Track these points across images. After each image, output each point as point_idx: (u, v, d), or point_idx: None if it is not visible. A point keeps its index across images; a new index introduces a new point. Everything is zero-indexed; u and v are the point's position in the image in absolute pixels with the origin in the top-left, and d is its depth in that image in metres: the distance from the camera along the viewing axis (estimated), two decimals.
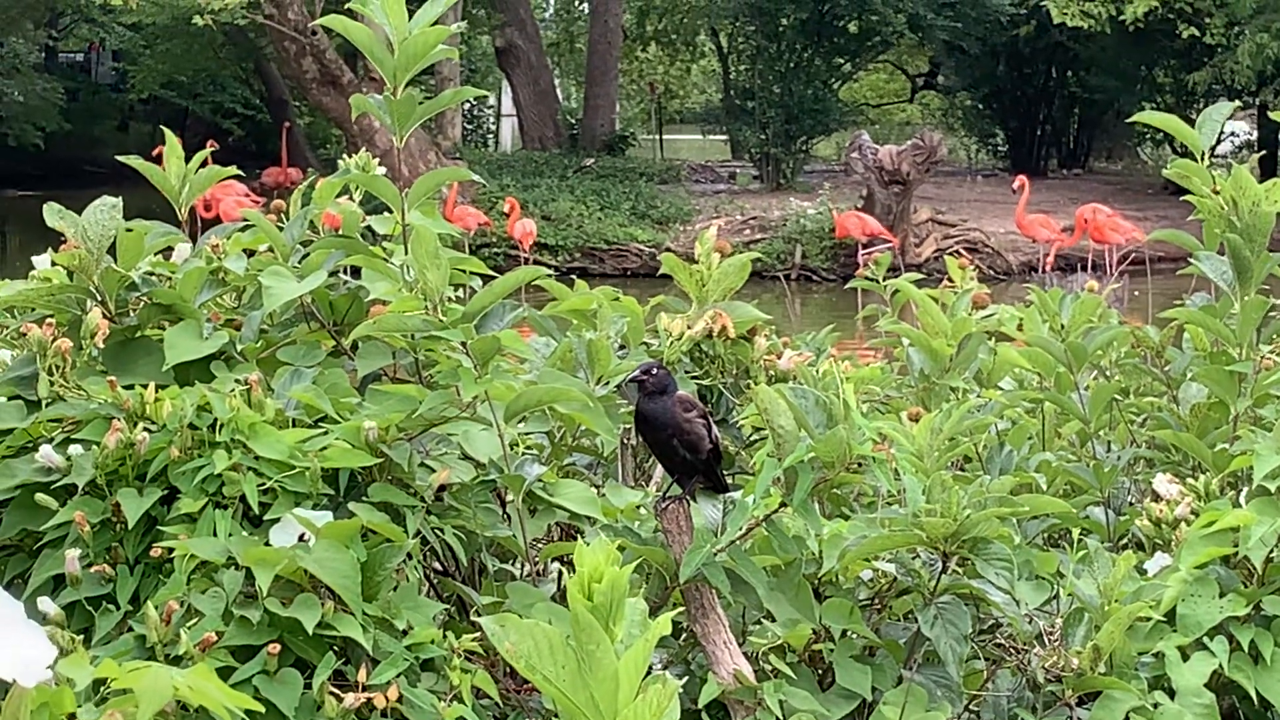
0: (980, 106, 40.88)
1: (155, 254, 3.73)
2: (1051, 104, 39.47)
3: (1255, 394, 3.91)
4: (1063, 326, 4.28)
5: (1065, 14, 30.88)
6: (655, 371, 3.32)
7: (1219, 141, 5.15)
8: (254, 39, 35.58)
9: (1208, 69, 32.62)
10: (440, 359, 3.46)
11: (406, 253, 3.56)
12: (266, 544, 3.16)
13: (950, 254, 26.25)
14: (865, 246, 26.65)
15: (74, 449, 3.33)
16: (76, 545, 3.24)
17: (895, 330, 4.30)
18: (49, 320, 3.49)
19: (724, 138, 39.68)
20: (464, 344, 3.28)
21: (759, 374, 3.99)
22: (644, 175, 33.59)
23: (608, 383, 3.73)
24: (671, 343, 3.93)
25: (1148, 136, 41.01)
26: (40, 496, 3.29)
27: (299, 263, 3.71)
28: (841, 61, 34.63)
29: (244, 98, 44.84)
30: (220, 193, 28.25)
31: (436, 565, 3.55)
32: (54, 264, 3.67)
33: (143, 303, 3.64)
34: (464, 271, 3.73)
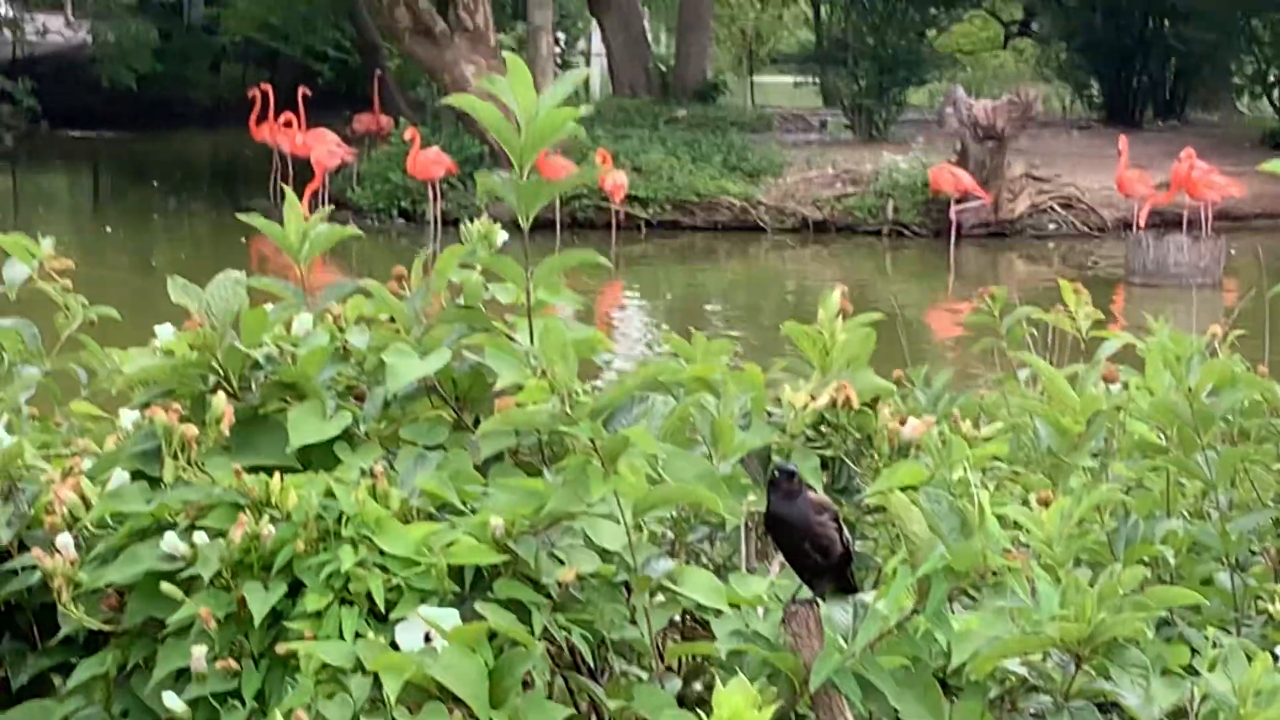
0: (1075, 56, 40.48)
1: (278, 325, 3.71)
2: (1148, 54, 39.01)
3: None
4: (1190, 389, 4.20)
5: None
6: (791, 473, 3.30)
7: None
8: None
9: None
10: (568, 442, 3.43)
11: (531, 334, 3.53)
12: (393, 644, 3.15)
13: (1044, 210, 26.17)
14: (959, 202, 26.52)
15: (198, 536, 3.32)
16: (202, 639, 3.24)
17: (1023, 406, 4.23)
18: (174, 406, 3.47)
19: (815, 82, 39.45)
20: (592, 441, 3.25)
21: (882, 443, 3.94)
22: (735, 125, 33.46)
23: (730, 460, 3.69)
24: (795, 415, 3.88)
25: (1245, 89, 40.59)
26: (166, 587, 3.28)
27: (421, 335, 3.69)
28: (936, 11, 34.36)
29: (335, 40, 44.87)
30: (313, 141, 28.44)
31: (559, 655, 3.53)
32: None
33: (266, 380, 3.62)
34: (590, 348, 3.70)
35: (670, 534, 3.73)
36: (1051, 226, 28.10)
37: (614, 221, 26.71)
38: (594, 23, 43.69)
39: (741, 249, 27.50)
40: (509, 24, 38.66)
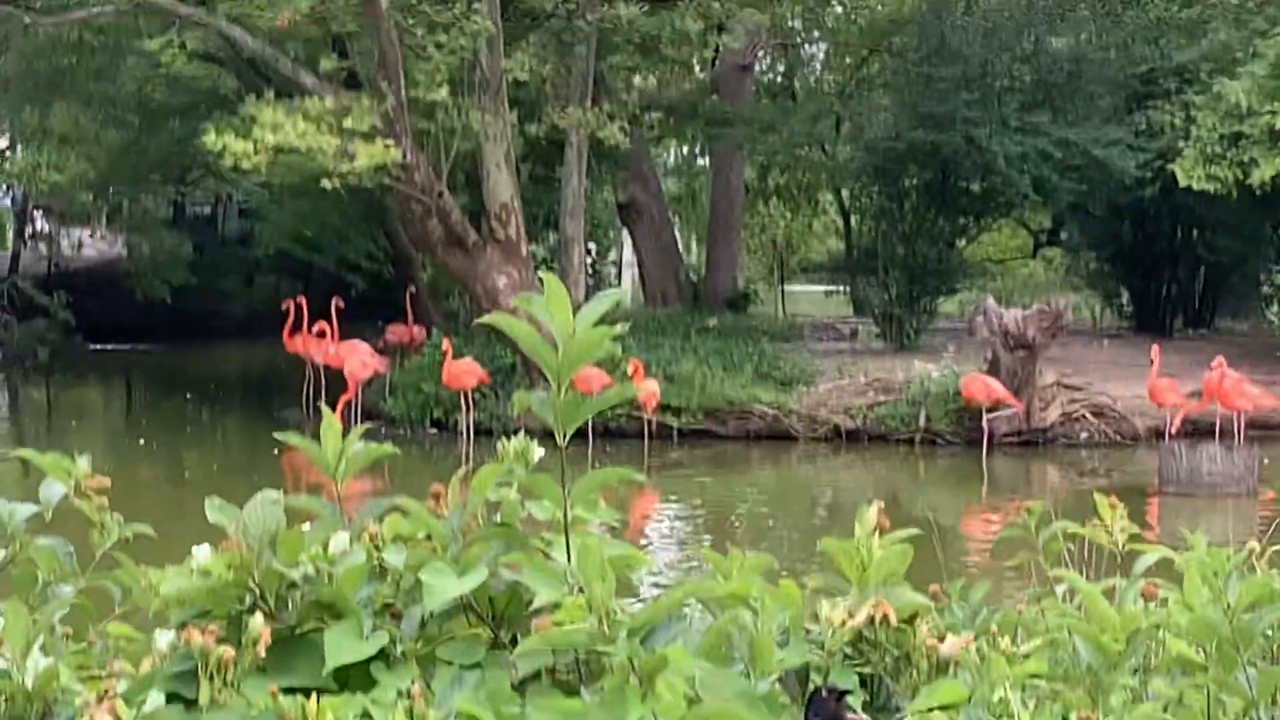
0: (1105, 266, 40.74)
1: (315, 545, 3.71)
2: (1177, 264, 39.27)
3: None
4: (1229, 606, 4.17)
5: (1191, 177, 30.78)
6: (839, 693, 3.29)
7: None
8: (380, 198, 35.98)
9: None
10: (605, 661, 3.41)
11: (569, 551, 3.53)
12: None
13: (1076, 419, 26.20)
14: (991, 411, 26.56)
15: None
16: None
17: (1062, 624, 4.20)
18: (210, 628, 3.47)
19: (845, 291, 39.74)
20: (630, 660, 3.24)
21: (920, 661, 3.91)
22: (766, 334, 33.66)
23: (769, 678, 3.67)
24: (833, 633, 3.86)
25: (1274, 298, 40.77)
26: None
27: (458, 553, 3.68)
28: (965, 221, 34.63)
29: (368, 252, 45.31)
30: (346, 352, 28.65)
31: None
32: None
33: (302, 601, 3.62)
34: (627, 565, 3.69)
35: None
36: (1084, 435, 28.10)
37: (646, 430, 26.78)
38: (625, 232, 44.12)
39: (774, 457, 27.53)
40: (541, 234, 39.04)
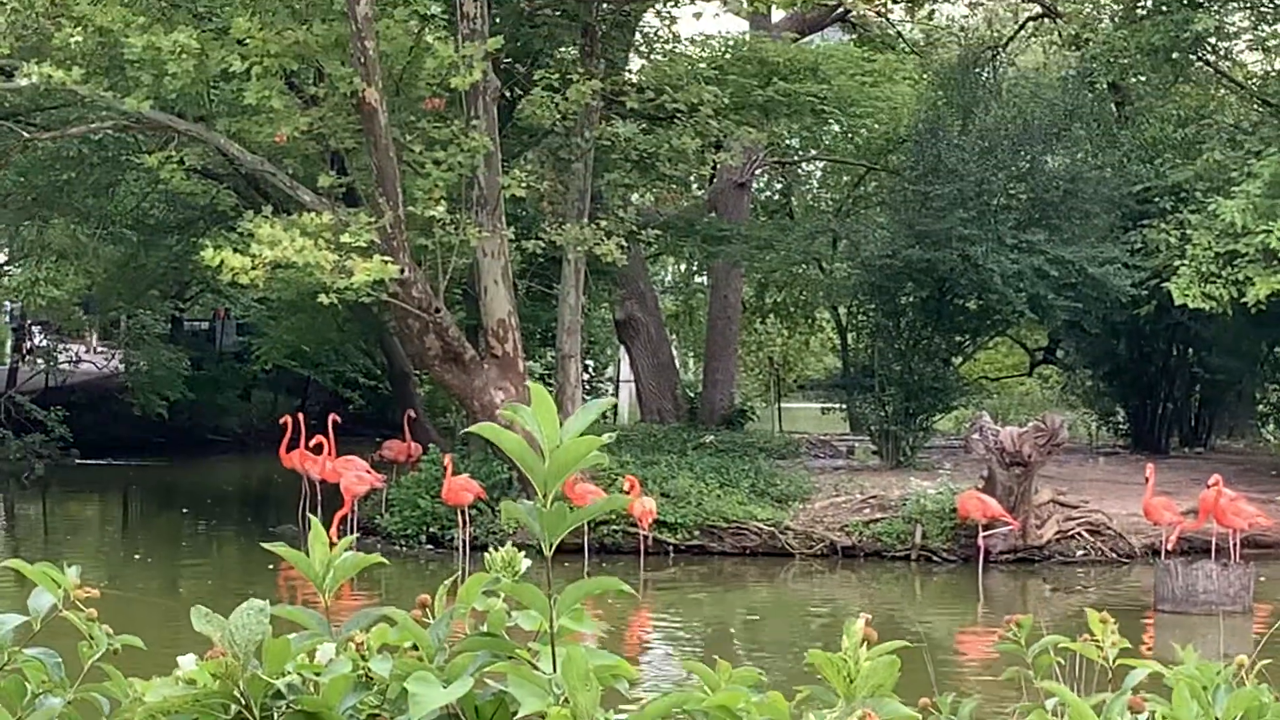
0: (1100, 383, 40.82)
1: (301, 654, 3.71)
2: (1172, 382, 39.36)
3: None
4: (1217, 719, 4.16)
5: (1187, 295, 30.87)
6: None
7: None
8: (377, 314, 36.08)
9: None
10: None
11: (555, 661, 3.52)
12: None
13: (1071, 536, 26.16)
14: (987, 528, 26.55)
15: None
16: None
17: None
18: None
19: (842, 408, 39.76)
20: None
21: None
22: (763, 451, 33.68)
23: None
24: None
25: (1270, 416, 40.82)
26: None
27: (444, 663, 3.68)
28: (961, 339, 34.71)
29: (365, 367, 45.43)
30: (342, 468, 28.66)
31: None
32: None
33: (288, 710, 3.61)
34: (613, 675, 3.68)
35: None
36: (1080, 553, 28.07)
37: (641, 547, 26.75)
38: (622, 349, 44.22)
39: (769, 574, 27.49)
40: (539, 351, 39.13)
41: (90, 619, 4.52)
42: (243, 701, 3.58)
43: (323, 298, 26.10)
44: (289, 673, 3.64)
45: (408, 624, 3.81)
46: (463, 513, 27.19)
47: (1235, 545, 25.02)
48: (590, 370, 47.42)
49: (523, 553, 3.97)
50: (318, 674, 3.70)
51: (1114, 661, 5.21)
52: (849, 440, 39.35)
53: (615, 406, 49.45)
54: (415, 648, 3.81)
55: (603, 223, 29.80)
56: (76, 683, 4.44)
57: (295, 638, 3.73)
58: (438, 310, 28.16)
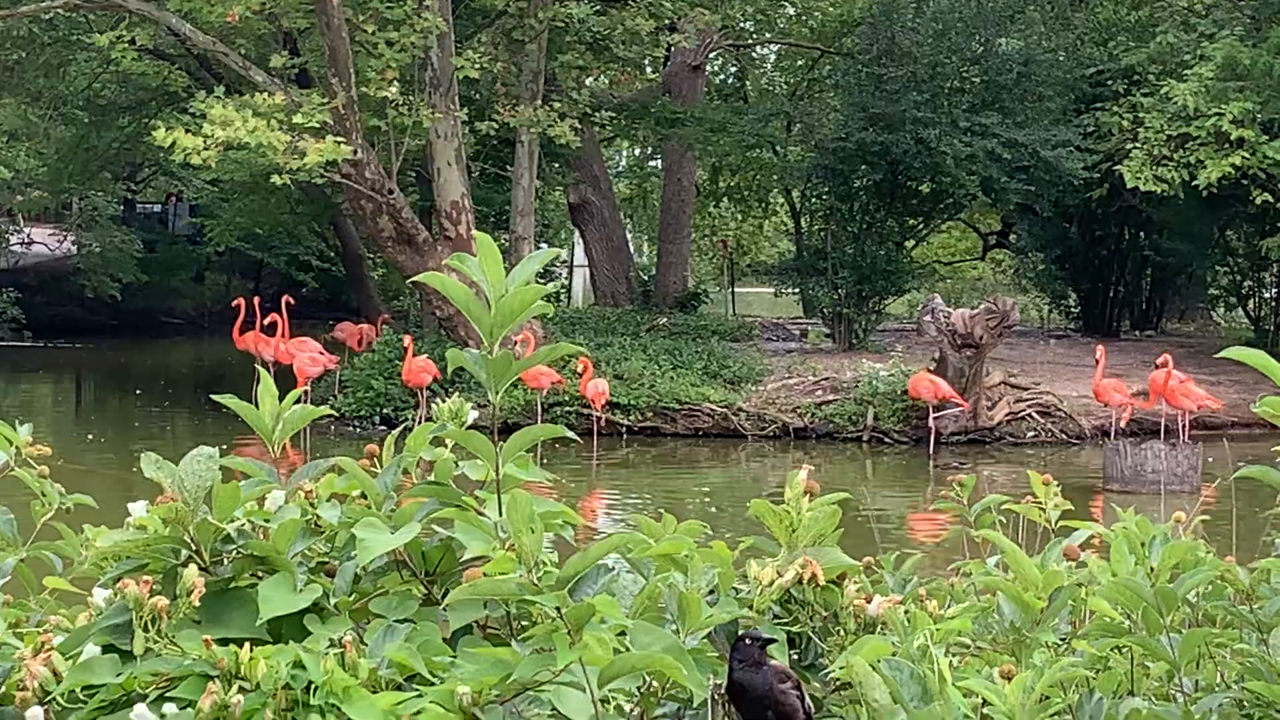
0: (1052, 267, 40.93)
1: (250, 501, 3.76)
2: (1124, 266, 39.52)
3: None
4: (1151, 569, 4.24)
5: (1139, 179, 30.96)
6: (756, 641, 3.38)
7: None
8: (330, 195, 35.94)
9: None
10: (535, 614, 3.46)
11: (501, 508, 3.58)
12: None
13: (1022, 418, 26.27)
14: (937, 409, 26.69)
15: (168, 707, 3.33)
16: None
17: (986, 584, 4.27)
18: (144, 576, 3.51)
19: (796, 292, 39.85)
20: (559, 610, 3.29)
21: (848, 620, 3.97)
22: (716, 333, 33.73)
23: (698, 634, 3.72)
24: (761, 591, 3.92)
25: (1220, 299, 41.01)
26: None
27: (392, 510, 3.74)
28: (914, 222, 34.76)
29: (319, 250, 45.28)
30: (296, 349, 28.62)
31: None
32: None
33: (237, 554, 3.66)
34: (559, 523, 3.74)
35: (637, 710, 3.74)
36: (1030, 434, 28.24)
37: (595, 428, 26.81)
38: (576, 233, 44.17)
39: (723, 455, 27.60)
40: (493, 234, 39.01)
41: (42, 475, 4.57)
42: (192, 546, 3.63)
43: (275, 179, 25.99)
44: (238, 518, 3.70)
45: (356, 472, 3.87)
46: (419, 393, 27.23)
47: (1184, 426, 25.19)
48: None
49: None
50: (267, 520, 3.75)
51: (1056, 523, 5.30)
52: (803, 324, 39.45)
53: (569, 288, 49.50)
54: (364, 496, 3.87)
55: (556, 104, 29.71)
56: (29, 541, 4.49)
57: (244, 485, 3.78)
58: (390, 191, 28.09)
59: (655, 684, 3.76)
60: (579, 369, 27.05)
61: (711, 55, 43.37)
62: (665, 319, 34.65)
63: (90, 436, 28.40)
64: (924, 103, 31.25)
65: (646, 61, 41.25)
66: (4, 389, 36.84)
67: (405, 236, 28.66)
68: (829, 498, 4.23)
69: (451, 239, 28.86)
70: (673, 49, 37.76)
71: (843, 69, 36.11)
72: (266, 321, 29.23)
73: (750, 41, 45.44)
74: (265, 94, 26.39)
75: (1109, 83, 33.85)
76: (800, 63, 45.85)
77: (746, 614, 3.90)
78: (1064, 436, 28.32)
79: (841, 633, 4.00)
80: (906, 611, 3.95)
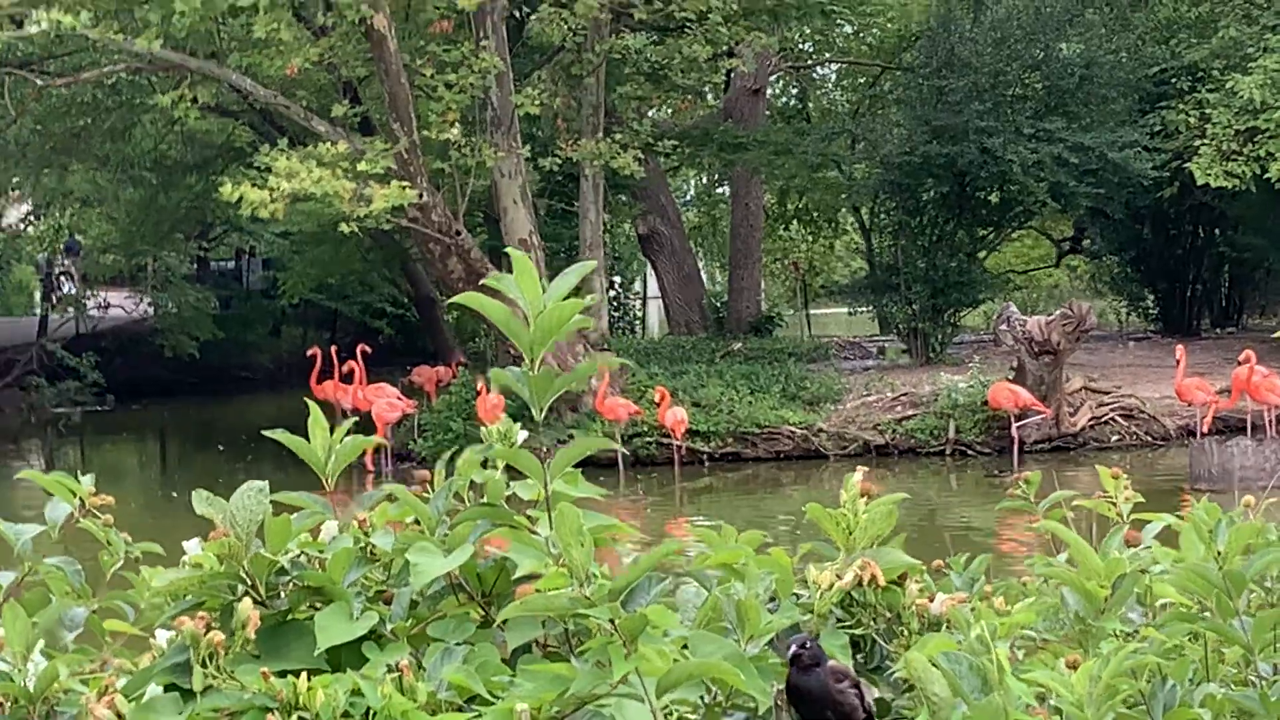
0: (1128, 270, 40.71)
1: (303, 533, 3.76)
2: (1200, 264, 39.27)
3: None
4: (1219, 553, 4.19)
5: (1209, 175, 30.78)
6: (809, 645, 3.36)
7: None
8: (400, 241, 36.08)
9: None
10: (592, 629, 3.45)
11: (550, 523, 3.57)
12: None
13: (1105, 422, 26.08)
14: (1019, 418, 26.55)
15: None
16: None
17: (1048, 575, 4.23)
18: (201, 614, 3.51)
19: (871, 312, 39.76)
20: (612, 621, 3.28)
21: (911, 619, 3.94)
22: (792, 355, 33.68)
23: (758, 641, 3.70)
24: (821, 595, 3.90)
25: None
26: None
27: (446, 534, 3.74)
28: (985, 232, 34.64)
29: (391, 296, 45.47)
30: (373, 395, 28.73)
31: None
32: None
33: (292, 586, 3.66)
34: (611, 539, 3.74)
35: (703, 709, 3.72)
36: (1115, 438, 28.08)
37: (676, 457, 26.79)
38: (648, 264, 44.21)
39: (805, 477, 27.52)
40: (562, 269, 39.02)
41: (107, 525, 4.57)
42: (248, 580, 3.64)
43: (343, 227, 26.11)
44: (291, 550, 3.70)
45: (408, 499, 3.86)
46: None
47: (1271, 421, 25.00)
48: (618, 286, 47.40)
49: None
50: (321, 551, 3.75)
51: (1128, 516, 5.25)
52: (879, 341, 39.36)
53: (644, 319, 49.49)
54: (418, 522, 3.87)
55: (618, 136, 29.75)
56: (99, 591, 4.50)
57: (296, 517, 3.79)
58: (458, 233, 28.16)
59: (720, 694, 3.74)
60: (656, 398, 27.04)
61: (772, 78, 43.38)
62: (740, 344, 34.60)
63: (175, 494, 28.56)
64: (987, 112, 31.17)
65: (707, 88, 41.24)
66: (90, 453, 37.11)
67: (475, 276, 28.65)
68: (887, 499, 4.20)
69: None
70: (732, 74, 37.80)
71: (904, 83, 36.09)
72: (344, 370, 29.38)
73: (810, 62, 45.44)
74: (329, 143, 26.52)
75: (1173, 80, 33.69)
76: (862, 80, 45.78)
77: (806, 619, 3.88)
78: (1149, 439, 28.14)
79: (905, 633, 3.97)
80: (972, 609, 3.93)
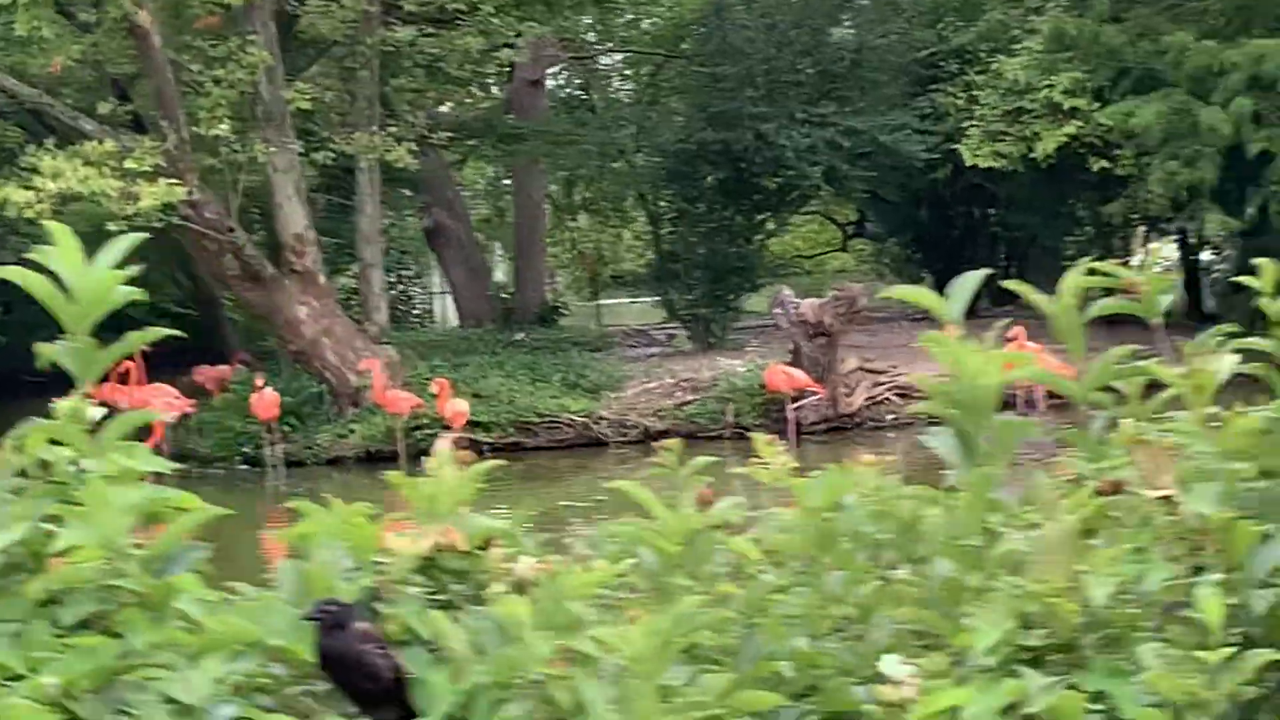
0: (907, 251, 41.21)
1: None
2: (976, 243, 39.77)
3: (988, 568, 3.90)
4: (815, 508, 4.27)
5: (978, 156, 31.26)
6: (333, 608, 3.37)
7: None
8: (178, 240, 35.65)
9: (1122, 200, 32.87)
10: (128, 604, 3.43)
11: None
12: None
13: (881, 401, 26.33)
14: (795, 400, 26.76)
15: None
16: None
17: (624, 535, 4.26)
18: None
19: (658, 300, 39.90)
20: (142, 591, 3.27)
21: (496, 584, 3.96)
22: (576, 345, 33.71)
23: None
24: (398, 561, 3.91)
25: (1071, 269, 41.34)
26: None
27: (6, 512, 3.70)
28: (763, 217, 34.88)
29: (175, 297, 44.89)
30: (150, 395, 28.36)
31: None
32: None
33: None
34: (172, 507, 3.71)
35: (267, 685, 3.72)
36: (890, 417, 28.38)
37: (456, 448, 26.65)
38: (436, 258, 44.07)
39: (585, 465, 27.56)
40: (345, 263, 38.81)
41: None
42: None
43: (111, 225, 25.73)
44: None
45: None
46: (271, 428, 27.13)
47: (1039, 396, 25.39)
48: (403, 280, 47.13)
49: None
50: None
51: (783, 482, 5.29)
52: (668, 329, 39.48)
53: (433, 313, 49.27)
54: None
55: (392, 129, 29.64)
56: None
57: None
58: (231, 230, 27.93)
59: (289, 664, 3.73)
60: (434, 390, 26.96)
61: (555, 69, 43.40)
62: (523, 334, 34.59)
63: None
64: (761, 98, 31.42)
65: (490, 80, 41.15)
66: None
67: (251, 273, 28.48)
68: (479, 467, 4.22)
69: (299, 272, 28.73)
70: (515, 66, 37.78)
71: (681, 71, 36.23)
72: (120, 370, 28.98)
73: (592, 52, 45.47)
74: (96, 141, 26.18)
75: (942, 64, 34.16)
76: (645, 70, 45.90)
77: (383, 584, 3.88)
78: (925, 418, 28.46)
79: (492, 597, 3.99)
80: (559, 572, 3.95)
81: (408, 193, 36.96)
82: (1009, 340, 25.26)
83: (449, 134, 34.50)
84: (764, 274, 35.42)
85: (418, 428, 27.40)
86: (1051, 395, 26.18)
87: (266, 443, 27.31)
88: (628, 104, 43.60)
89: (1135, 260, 4.66)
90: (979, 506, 4.05)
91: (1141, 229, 33.73)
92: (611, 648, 3.54)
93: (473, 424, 27.64)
